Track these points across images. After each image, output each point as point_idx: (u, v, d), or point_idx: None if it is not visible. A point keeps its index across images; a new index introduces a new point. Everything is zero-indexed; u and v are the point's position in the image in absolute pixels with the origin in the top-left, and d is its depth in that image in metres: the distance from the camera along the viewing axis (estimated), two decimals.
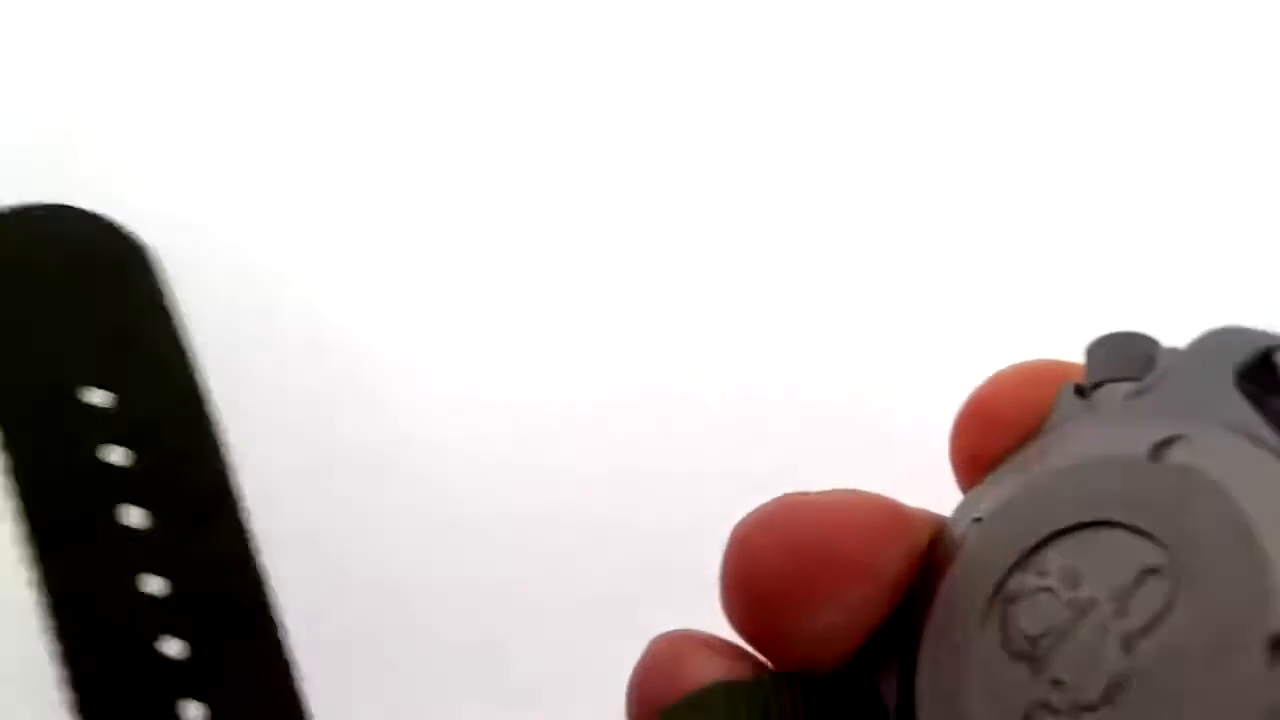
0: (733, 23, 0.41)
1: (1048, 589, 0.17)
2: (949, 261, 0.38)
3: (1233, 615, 0.16)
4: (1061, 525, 0.17)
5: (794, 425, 0.35)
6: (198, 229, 0.37)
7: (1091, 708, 0.16)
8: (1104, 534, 0.17)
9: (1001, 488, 0.18)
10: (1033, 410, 0.18)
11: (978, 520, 0.18)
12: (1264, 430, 0.17)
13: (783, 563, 0.16)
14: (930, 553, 0.18)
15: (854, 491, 0.17)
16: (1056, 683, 0.17)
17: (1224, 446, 0.17)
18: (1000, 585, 0.17)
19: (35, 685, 0.30)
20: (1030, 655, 0.17)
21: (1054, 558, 0.17)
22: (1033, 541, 0.17)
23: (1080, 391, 0.19)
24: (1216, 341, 0.18)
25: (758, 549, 0.16)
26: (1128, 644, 0.16)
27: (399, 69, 0.40)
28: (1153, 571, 0.17)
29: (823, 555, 0.16)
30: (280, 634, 0.32)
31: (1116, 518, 0.17)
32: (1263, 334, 0.18)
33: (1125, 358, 0.19)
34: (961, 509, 0.19)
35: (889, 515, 0.17)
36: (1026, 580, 0.17)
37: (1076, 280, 0.38)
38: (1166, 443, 0.17)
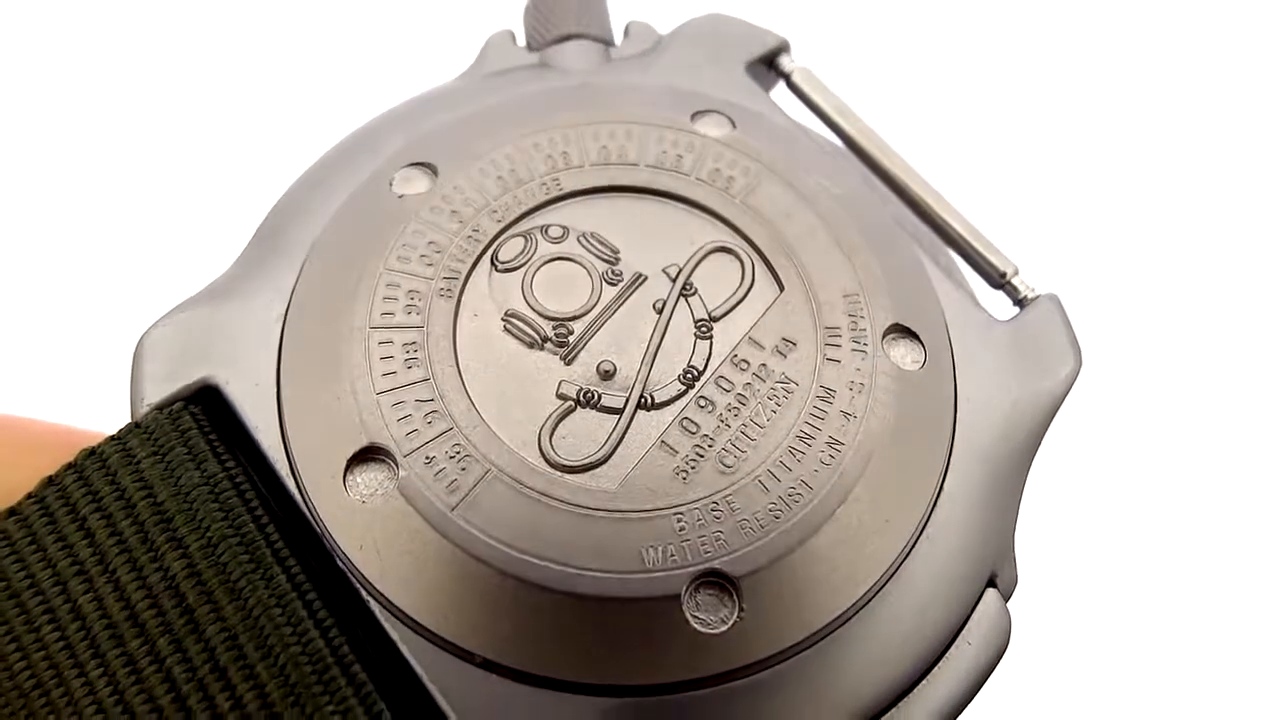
0: None
1: (570, 260, 0.14)
2: None
3: (832, 298, 0.15)
4: (580, 188, 0.15)
5: None
6: None
7: (653, 405, 0.13)
8: (644, 204, 0.15)
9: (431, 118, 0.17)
10: None
11: (419, 166, 0.16)
12: (786, 118, 0.16)
13: None
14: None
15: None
16: (602, 373, 0.14)
17: (771, 131, 0.16)
18: (487, 252, 0.15)
19: None
20: (555, 340, 0.14)
21: (568, 220, 0.14)
22: (540, 199, 0.15)
23: (530, 45, 0.17)
24: (714, 29, 0.17)
25: None
26: (704, 329, 0.14)
27: None
28: (723, 251, 0.15)
29: None
30: None
31: (658, 186, 0.15)
32: (761, 30, 0.17)
33: (579, 14, 0.17)
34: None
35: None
36: (532, 246, 0.14)
37: None
38: (702, 114, 0.16)
